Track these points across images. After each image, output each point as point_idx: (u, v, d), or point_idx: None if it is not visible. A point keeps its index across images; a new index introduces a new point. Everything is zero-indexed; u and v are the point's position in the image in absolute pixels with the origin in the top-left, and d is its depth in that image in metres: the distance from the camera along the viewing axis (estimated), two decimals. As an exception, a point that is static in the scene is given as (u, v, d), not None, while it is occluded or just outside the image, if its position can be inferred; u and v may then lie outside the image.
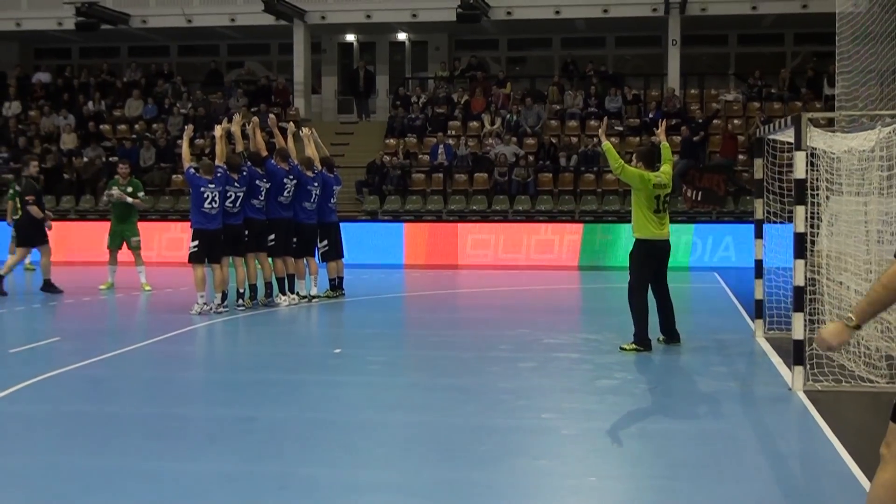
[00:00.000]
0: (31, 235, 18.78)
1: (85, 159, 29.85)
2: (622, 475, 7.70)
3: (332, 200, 17.78)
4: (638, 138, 27.91)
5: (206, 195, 15.69)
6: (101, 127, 31.73)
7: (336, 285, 17.95)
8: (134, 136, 30.91)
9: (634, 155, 10.70)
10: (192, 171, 16.07)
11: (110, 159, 29.40)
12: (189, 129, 17.73)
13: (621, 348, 12.47)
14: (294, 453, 8.29)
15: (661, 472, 7.66)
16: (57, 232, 25.02)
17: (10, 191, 22.87)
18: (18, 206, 20.69)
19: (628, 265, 12.81)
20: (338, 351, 13.19)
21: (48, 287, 18.49)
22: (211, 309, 15.88)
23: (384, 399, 10.28)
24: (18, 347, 12.94)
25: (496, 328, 15.89)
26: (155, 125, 31.32)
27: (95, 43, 35.09)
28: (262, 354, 13.62)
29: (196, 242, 16.04)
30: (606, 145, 13.03)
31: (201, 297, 16.01)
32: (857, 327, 4.95)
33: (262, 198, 16.46)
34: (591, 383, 10.92)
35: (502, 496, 7.11)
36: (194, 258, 16.08)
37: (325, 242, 17.64)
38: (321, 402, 10.23)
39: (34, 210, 18.02)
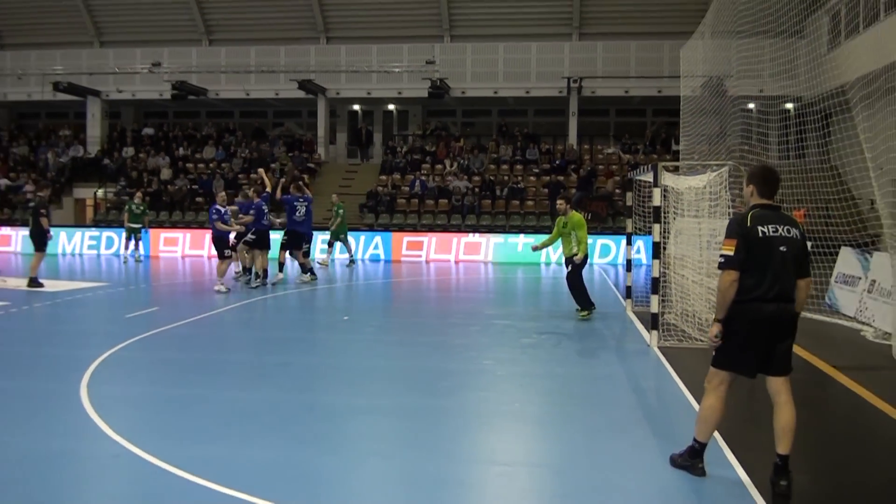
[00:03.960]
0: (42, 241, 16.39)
1: (176, 187, 29.61)
2: (536, 402, 7.73)
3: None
4: (547, 177, 28.03)
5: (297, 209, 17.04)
6: (187, 165, 31.46)
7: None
8: (209, 171, 30.67)
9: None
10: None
11: (193, 187, 29.18)
12: (261, 171, 17.87)
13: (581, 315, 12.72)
14: (317, 387, 8.28)
15: (562, 401, 7.71)
16: (154, 236, 24.99)
17: (126, 207, 22.78)
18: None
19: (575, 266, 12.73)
20: (346, 318, 13.15)
21: (33, 283, 15.98)
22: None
23: (377, 351, 10.27)
24: (131, 314, 12.85)
25: (453, 303, 15.90)
26: (223, 164, 31.09)
27: (184, 108, 34.76)
28: (293, 319, 13.57)
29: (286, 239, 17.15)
30: (541, 245, 13.37)
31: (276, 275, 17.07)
32: (720, 321, 5.32)
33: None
34: (517, 340, 10.94)
35: (456, 416, 7.12)
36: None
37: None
38: (334, 352, 10.21)
39: (44, 221, 16.25)
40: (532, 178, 28.79)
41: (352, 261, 22.68)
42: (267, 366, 9.25)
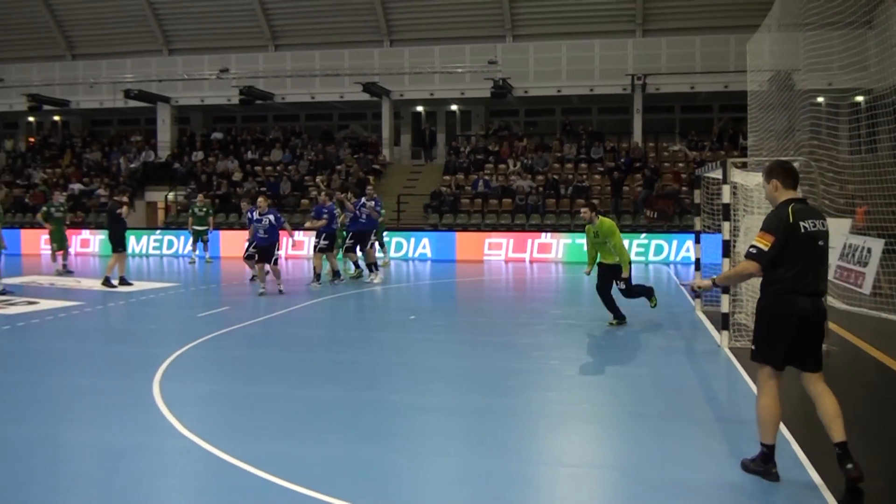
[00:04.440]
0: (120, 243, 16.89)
1: (244, 189, 30.05)
2: (604, 403, 7.61)
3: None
4: (614, 173, 27.72)
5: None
6: (255, 168, 31.92)
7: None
8: (276, 174, 31.07)
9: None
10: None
11: (261, 189, 29.60)
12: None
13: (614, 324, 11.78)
14: (384, 385, 8.28)
15: (630, 402, 7.57)
16: (225, 238, 25.38)
17: (190, 210, 23.20)
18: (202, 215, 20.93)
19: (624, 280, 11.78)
20: (413, 317, 13.17)
21: (107, 283, 16.47)
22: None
23: (443, 349, 10.25)
24: (202, 313, 13.06)
25: (519, 303, 15.81)
26: (290, 167, 31.47)
27: (252, 112, 35.30)
28: (360, 318, 13.65)
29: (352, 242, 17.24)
30: (590, 267, 12.13)
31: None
32: (716, 285, 5.64)
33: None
34: (584, 340, 10.82)
35: (523, 416, 7.06)
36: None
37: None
38: (401, 350, 10.21)
39: (125, 210, 17.00)
40: (597, 176, 28.50)
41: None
42: (334, 364, 9.31)
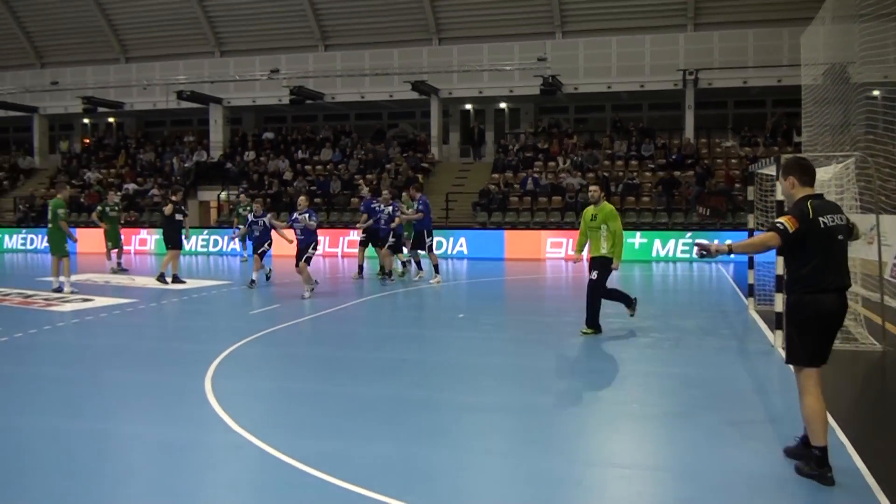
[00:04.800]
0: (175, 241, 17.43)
1: (295, 188, 30.31)
2: (655, 403, 7.50)
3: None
4: (663, 172, 27.40)
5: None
6: (306, 167, 32.17)
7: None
8: (326, 173, 31.29)
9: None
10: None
11: (311, 188, 29.83)
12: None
13: (583, 332, 10.73)
14: (433, 383, 8.28)
15: (682, 402, 7.46)
16: (274, 237, 25.56)
17: (235, 210, 23.43)
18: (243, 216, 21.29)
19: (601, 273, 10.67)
20: (462, 316, 13.15)
21: (161, 279, 16.99)
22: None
23: (492, 347, 10.21)
24: (254, 311, 13.19)
25: (566, 301, 15.70)
26: (340, 166, 31.66)
27: (302, 112, 35.64)
28: (410, 316, 13.67)
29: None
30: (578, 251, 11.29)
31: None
32: (732, 252, 5.39)
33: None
34: (635, 340, 10.69)
35: (573, 416, 7.00)
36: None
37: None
38: (449, 349, 10.21)
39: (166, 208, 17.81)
40: (647, 173, 28.18)
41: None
42: (384, 361, 9.32)
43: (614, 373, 8.73)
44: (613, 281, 11.03)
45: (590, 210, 10.82)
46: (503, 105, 34.10)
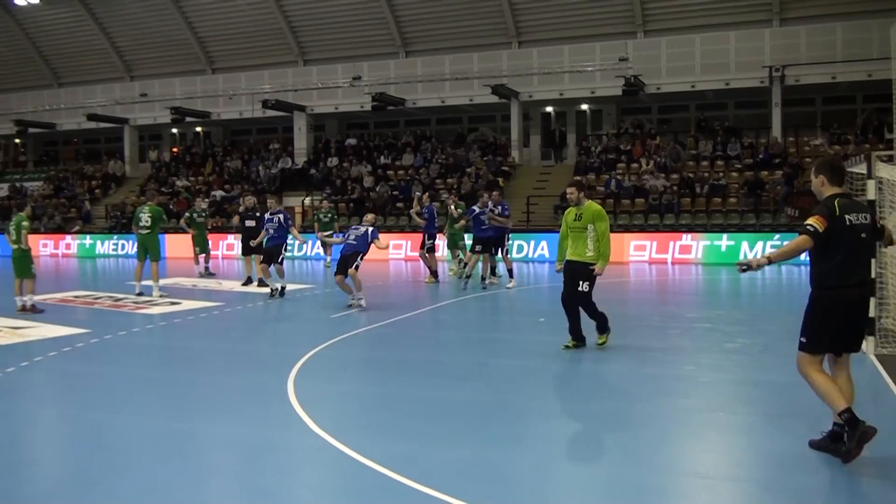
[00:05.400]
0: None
1: (377, 193, 30.61)
2: (741, 411, 7.26)
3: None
4: (750, 172, 26.69)
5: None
6: (388, 172, 32.44)
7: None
8: (408, 177, 31.48)
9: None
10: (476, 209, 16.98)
11: (393, 193, 30.05)
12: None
13: (598, 343, 9.94)
14: (514, 388, 8.19)
15: (769, 411, 7.19)
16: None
17: (315, 216, 23.68)
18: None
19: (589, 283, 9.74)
20: (542, 320, 13.00)
21: (248, 282, 18.03)
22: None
23: (573, 353, 10.03)
24: (335, 314, 13.31)
25: (651, 305, 15.43)
26: (421, 170, 31.82)
27: (383, 118, 35.93)
28: (490, 320, 13.60)
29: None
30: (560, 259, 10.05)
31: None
32: (771, 262, 5.58)
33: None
34: (720, 345, 10.41)
35: (656, 423, 6.82)
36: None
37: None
38: (530, 353, 10.06)
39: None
40: (734, 174, 27.49)
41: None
42: (463, 365, 9.28)
43: (699, 379, 8.49)
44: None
45: (572, 211, 9.88)
46: (584, 107, 33.74)
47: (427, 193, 19.38)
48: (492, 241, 16.78)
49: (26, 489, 5.46)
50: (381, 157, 33.65)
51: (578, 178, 9.48)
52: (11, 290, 14.19)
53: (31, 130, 39.40)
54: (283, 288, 15.67)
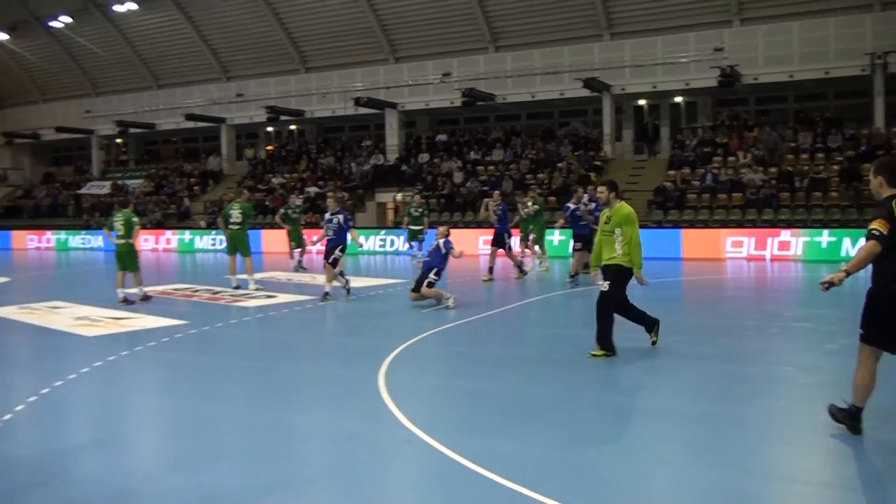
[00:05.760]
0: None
1: (467, 189, 30.63)
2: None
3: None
4: (851, 165, 25.65)
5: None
6: (478, 168, 32.45)
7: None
8: (498, 173, 31.41)
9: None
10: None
11: (483, 188, 30.02)
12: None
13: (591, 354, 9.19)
14: (603, 386, 8.06)
15: (872, 416, 6.87)
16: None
17: (406, 210, 23.78)
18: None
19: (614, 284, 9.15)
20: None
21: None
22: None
23: (668, 351, 9.77)
24: (426, 309, 13.34)
25: (748, 303, 14.99)
26: (511, 166, 31.71)
27: (473, 114, 36.00)
28: (580, 317, 13.40)
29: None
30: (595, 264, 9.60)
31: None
32: (849, 274, 5.56)
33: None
34: (820, 346, 10.01)
35: (753, 426, 6.59)
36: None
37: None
38: (622, 351, 9.84)
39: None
40: (835, 166, 26.48)
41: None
42: (555, 362, 9.15)
43: (798, 381, 8.18)
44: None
45: (605, 213, 9.48)
46: (678, 99, 33.04)
47: (497, 192, 19.33)
48: (590, 237, 16.48)
49: (129, 470, 5.63)
50: (471, 153, 33.67)
51: (612, 179, 8.95)
52: (113, 282, 14.74)
53: (132, 131, 41.16)
54: (325, 293, 14.76)
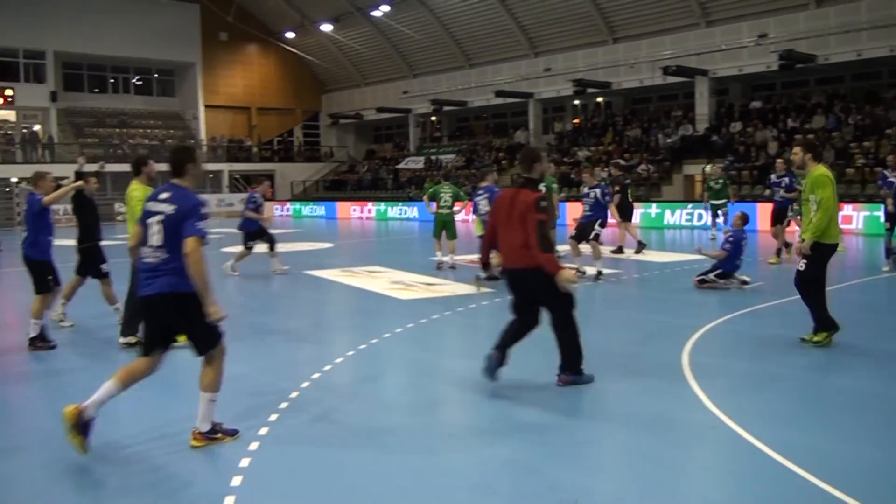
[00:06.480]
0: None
1: (784, 159, 28.67)
2: None
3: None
4: None
5: None
6: (796, 136, 30.11)
7: None
8: (818, 141, 28.91)
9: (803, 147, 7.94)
10: None
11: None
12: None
13: (813, 341, 8.25)
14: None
15: None
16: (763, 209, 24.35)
17: (707, 183, 22.65)
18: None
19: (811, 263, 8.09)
20: None
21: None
22: None
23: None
24: (735, 287, 12.69)
25: None
26: (834, 133, 29.12)
27: (791, 78, 33.40)
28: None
29: None
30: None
31: None
32: None
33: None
34: None
35: None
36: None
37: None
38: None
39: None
40: None
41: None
42: (881, 353, 8.23)
43: None
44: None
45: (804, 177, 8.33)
46: None
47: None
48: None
49: (435, 427, 5.90)
50: (789, 121, 31.41)
51: (809, 139, 7.54)
52: (426, 250, 15.64)
53: (446, 108, 43.97)
54: (598, 272, 13.91)
